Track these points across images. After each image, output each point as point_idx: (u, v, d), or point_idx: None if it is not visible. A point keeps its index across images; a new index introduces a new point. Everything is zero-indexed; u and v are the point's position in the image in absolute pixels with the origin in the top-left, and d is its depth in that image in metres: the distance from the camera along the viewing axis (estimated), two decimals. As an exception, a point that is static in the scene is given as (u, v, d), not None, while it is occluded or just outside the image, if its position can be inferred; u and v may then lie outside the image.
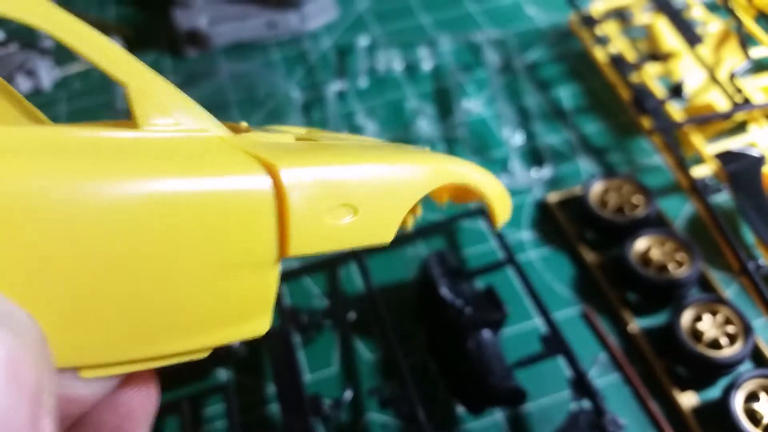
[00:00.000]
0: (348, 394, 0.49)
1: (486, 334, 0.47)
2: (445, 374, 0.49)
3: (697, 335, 0.48)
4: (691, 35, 0.62)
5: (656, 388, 0.49)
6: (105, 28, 0.83)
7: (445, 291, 0.49)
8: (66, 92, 0.76)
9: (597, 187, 0.57)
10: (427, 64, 0.73)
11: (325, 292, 0.55)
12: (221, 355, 0.52)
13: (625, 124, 0.65)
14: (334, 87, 0.71)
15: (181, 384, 0.50)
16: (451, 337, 0.48)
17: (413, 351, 0.52)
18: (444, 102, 0.69)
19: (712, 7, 0.69)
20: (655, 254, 0.53)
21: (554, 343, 0.47)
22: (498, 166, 0.62)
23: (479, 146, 0.64)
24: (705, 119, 0.57)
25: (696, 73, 0.62)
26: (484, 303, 0.48)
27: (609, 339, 0.51)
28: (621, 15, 0.69)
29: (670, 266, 0.52)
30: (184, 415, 0.49)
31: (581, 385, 0.45)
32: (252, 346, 0.52)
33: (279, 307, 0.51)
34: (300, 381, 0.47)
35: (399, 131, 0.67)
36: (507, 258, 0.53)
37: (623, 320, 0.52)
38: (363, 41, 0.76)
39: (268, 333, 0.48)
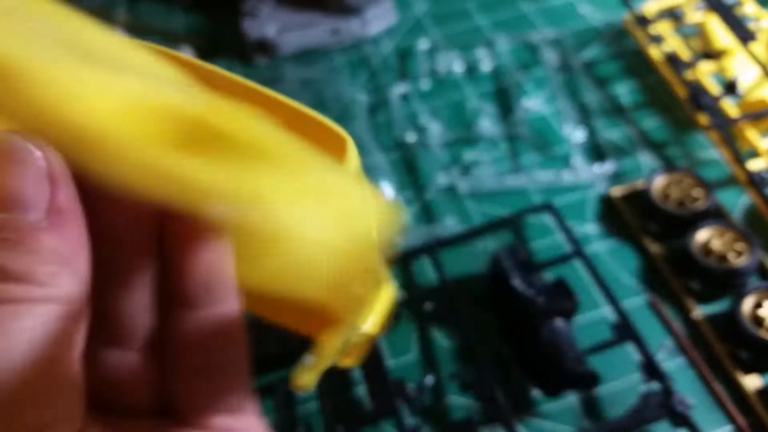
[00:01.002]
0: (429, 379, 0.53)
1: (559, 322, 0.50)
2: (520, 360, 0.53)
3: (758, 321, 0.51)
4: (743, 33, 0.64)
5: (720, 371, 0.52)
6: (176, 38, 0.87)
7: (517, 282, 0.53)
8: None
9: (659, 181, 0.60)
10: (486, 65, 0.76)
11: (401, 284, 0.59)
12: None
13: (681, 119, 0.68)
14: (398, 89, 0.75)
15: (275, 368, 0.54)
16: (524, 325, 0.52)
17: (488, 339, 0.55)
18: (504, 101, 0.72)
19: (764, 3, 0.71)
20: (716, 245, 0.56)
21: (624, 329, 0.51)
22: (560, 162, 0.66)
23: (541, 143, 0.67)
24: (759, 115, 0.60)
25: (749, 69, 0.64)
26: (555, 293, 0.52)
27: (674, 325, 0.54)
28: (673, 14, 0.71)
29: (730, 256, 0.55)
30: (278, 397, 0.53)
31: (650, 369, 0.49)
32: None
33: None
34: (383, 366, 0.51)
35: (462, 131, 0.70)
36: (574, 250, 0.56)
37: (687, 308, 0.55)
38: (423, 44, 0.80)
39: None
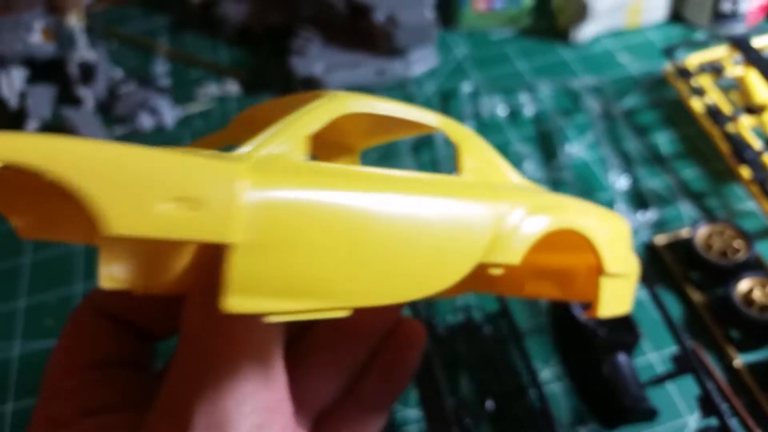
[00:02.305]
0: (489, 405, 0.55)
1: (621, 356, 0.52)
2: (581, 393, 0.54)
3: (800, 371, 0.53)
4: (783, 89, 0.66)
5: (763, 420, 0.53)
6: (219, 71, 0.90)
7: (579, 312, 0.54)
8: (189, 130, 0.83)
9: (702, 231, 0.62)
10: (528, 110, 0.79)
11: (460, 308, 0.60)
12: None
13: (720, 170, 0.70)
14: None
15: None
16: (585, 357, 0.53)
17: (550, 372, 0.57)
18: (547, 146, 0.75)
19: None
20: (757, 295, 0.57)
21: (684, 362, 0.52)
22: (604, 209, 0.68)
23: (585, 189, 0.69)
24: (801, 170, 0.62)
25: (789, 124, 0.67)
26: (618, 326, 0.53)
27: (716, 373, 0.56)
28: (714, 67, 0.73)
29: (772, 307, 0.56)
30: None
31: (708, 404, 0.50)
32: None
33: (418, 319, 0.57)
34: (441, 392, 0.52)
35: (505, 173, 0.72)
36: (642, 278, 0.58)
37: (728, 356, 0.57)
38: (466, 87, 0.82)
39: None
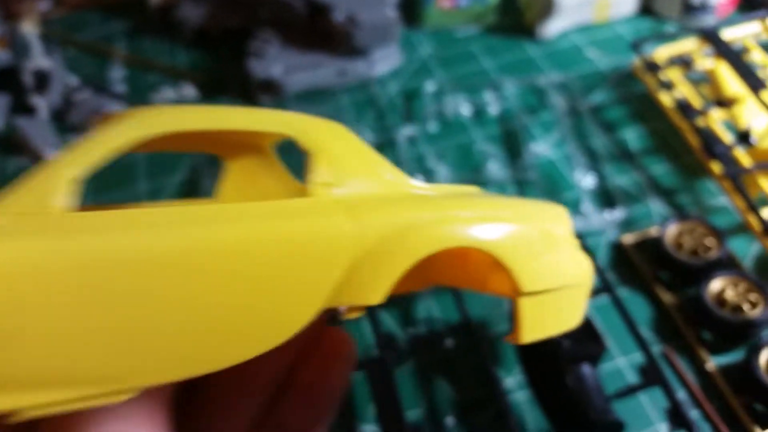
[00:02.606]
0: (450, 421, 0.52)
1: (585, 367, 0.49)
2: (544, 406, 0.51)
3: (774, 374, 0.51)
4: (754, 81, 0.64)
5: (736, 425, 0.51)
6: (177, 75, 0.87)
7: None
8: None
9: (672, 230, 0.59)
10: (493, 108, 0.76)
11: (422, 320, 0.57)
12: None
13: (691, 165, 0.68)
14: (405, 131, 0.74)
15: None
16: (550, 370, 0.50)
17: (510, 383, 0.54)
18: (512, 145, 0.72)
19: (769, 50, 0.71)
20: (730, 295, 0.55)
21: (652, 373, 0.50)
22: (570, 208, 0.65)
23: (550, 189, 0.67)
24: (773, 163, 0.60)
25: (760, 117, 0.64)
26: (582, 336, 0.51)
27: (688, 377, 0.53)
28: (683, 60, 0.71)
29: (745, 307, 0.54)
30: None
31: (677, 416, 0.48)
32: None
33: (377, 333, 0.54)
34: (400, 408, 0.49)
35: (469, 174, 0.69)
36: (602, 287, 0.55)
37: (701, 359, 0.54)
38: (430, 86, 0.79)
39: (368, 360, 0.52)
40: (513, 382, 0.54)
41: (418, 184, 0.31)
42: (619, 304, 0.54)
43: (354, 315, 0.27)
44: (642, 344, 0.51)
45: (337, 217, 0.26)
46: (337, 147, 0.29)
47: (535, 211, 0.32)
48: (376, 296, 0.27)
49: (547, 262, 0.31)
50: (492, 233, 0.29)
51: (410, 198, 0.29)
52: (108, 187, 0.72)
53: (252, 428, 0.32)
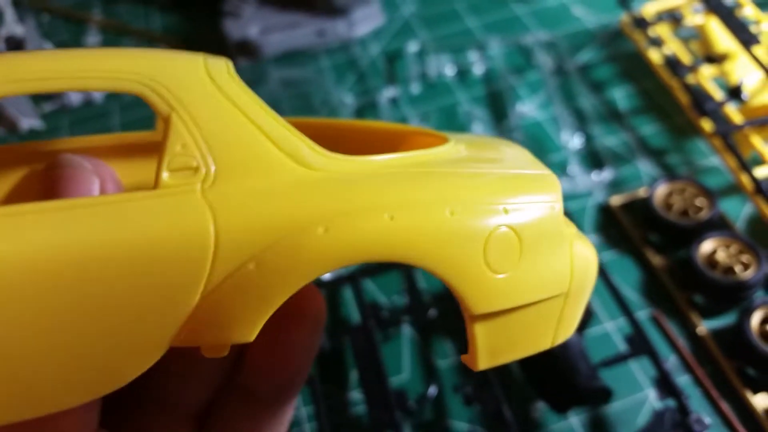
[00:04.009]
0: (432, 390, 0.50)
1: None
2: (528, 374, 0.50)
3: (766, 336, 0.49)
4: (746, 36, 0.62)
5: (727, 389, 0.49)
6: (152, 39, 0.84)
7: None
8: (118, 103, 0.77)
9: (661, 190, 0.57)
10: (478, 68, 0.74)
11: (405, 289, 0.56)
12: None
13: (681, 125, 0.66)
14: (387, 93, 0.72)
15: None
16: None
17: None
18: (497, 106, 0.70)
19: (763, 5, 0.69)
20: (721, 257, 0.53)
21: (639, 342, 0.48)
22: (557, 169, 0.63)
23: (536, 150, 0.65)
24: (765, 121, 0.58)
25: (752, 73, 0.62)
26: None
27: (678, 342, 0.52)
28: (673, 16, 0.69)
29: (737, 268, 0.52)
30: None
31: (665, 385, 0.46)
32: (335, 340, 0.54)
33: (360, 302, 0.52)
34: (384, 376, 0.48)
35: (454, 136, 0.67)
36: None
37: (692, 323, 0.53)
38: (412, 47, 0.77)
39: (351, 328, 0.50)
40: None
41: (359, 159, 0.24)
42: (603, 273, 0.52)
43: (215, 354, 0.22)
44: (628, 314, 0.49)
45: (195, 223, 0.20)
46: (211, 107, 0.23)
47: (509, 191, 0.25)
48: (246, 332, 0.21)
49: (511, 276, 0.25)
50: (422, 242, 0.23)
51: (319, 186, 0.23)
52: None
53: (215, 392, 0.30)
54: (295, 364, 0.29)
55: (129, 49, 0.23)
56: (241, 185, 0.22)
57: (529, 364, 0.49)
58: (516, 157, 0.30)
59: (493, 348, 0.25)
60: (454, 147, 0.28)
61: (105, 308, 0.19)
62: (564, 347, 0.47)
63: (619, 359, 0.49)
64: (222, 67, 0.24)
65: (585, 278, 0.28)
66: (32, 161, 0.29)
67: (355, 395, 0.51)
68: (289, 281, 0.21)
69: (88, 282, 0.19)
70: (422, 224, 0.23)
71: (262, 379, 0.29)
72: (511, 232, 0.25)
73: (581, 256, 0.27)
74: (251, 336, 0.21)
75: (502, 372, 0.51)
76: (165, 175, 0.21)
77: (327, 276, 0.57)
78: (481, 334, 0.25)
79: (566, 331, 0.27)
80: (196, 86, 0.23)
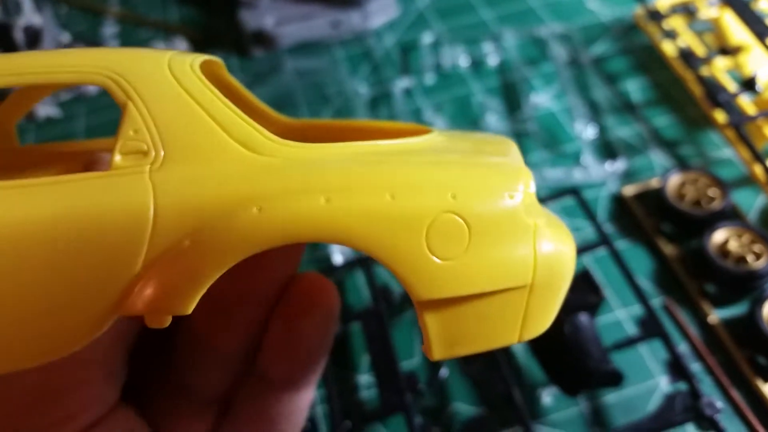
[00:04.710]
0: (444, 372, 0.51)
1: (583, 317, 0.48)
2: (538, 357, 0.50)
3: (778, 325, 0.49)
4: (760, 28, 0.62)
5: (738, 378, 0.50)
6: (169, 30, 0.85)
7: None
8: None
9: (674, 180, 0.58)
10: (492, 59, 0.74)
11: None
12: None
13: (694, 117, 0.66)
14: (401, 84, 0.73)
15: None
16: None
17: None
18: (511, 97, 0.70)
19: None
20: (733, 246, 0.53)
21: (651, 325, 0.49)
22: (571, 160, 0.63)
23: (550, 140, 0.65)
24: (779, 112, 0.58)
25: (766, 65, 0.62)
26: (579, 286, 0.49)
27: (690, 330, 0.52)
28: (687, 9, 0.69)
29: (749, 258, 0.52)
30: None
31: (677, 368, 0.46)
32: (346, 324, 0.54)
33: (372, 286, 0.53)
34: (395, 360, 0.49)
35: (467, 126, 0.68)
36: (600, 240, 0.54)
37: (703, 311, 0.53)
38: (427, 38, 0.77)
39: (363, 312, 0.50)
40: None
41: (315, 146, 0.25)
42: (617, 256, 0.52)
43: (157, 325, 0.23)
44: (640, 296, 0.50)
45: (138, 201, 0.22)
46: (166, 97, 0.24)
47: (463, 178, 0.25)
48: (183, 304, 0.22)
49: (458, 263, 0.24)
50: (359, 225, 0.23)
51: (263, 169, 0.23)
52: None
53: (234, 378, 0.31)
54: (309, 353, 0.30)
55: (101, 48, 0.26)
56: (186, 168, 0.23)
57: (541, 347, 0.50)
58: (497, 151, 0.29)
59: (448, 337, 0.25)
60: (429, 139, 0.28)
61: (55, 276, 0.21)
62: (575, 331, 0.47)
63: (631, 342, 0.49)
64: (185, 62, 0.25)
65: (552, 271, 0.26)
66: (68, 161, 0.32)
67: (366, 378, 0.52)
68: (222, 258, 0.22)
69: (39, 251, 0.21)
70: (359, 207, 0.23)
71: (278, 367, 0.30)
72: (459, 218, 0.24)
73: (548, 248, 0.26)
74: (188, 309, 0.22)
75: (512, 355, 0.51)
76: (117, 158, 0.23)
77: (338, 260, 0.57)
78: (432, 322, 0.25)
79: (537, 327, 0.27)
80: (154, 78, 0.24)
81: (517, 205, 0.25)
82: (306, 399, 0.32)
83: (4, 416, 0.23)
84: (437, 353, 0.25)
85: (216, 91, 0.25)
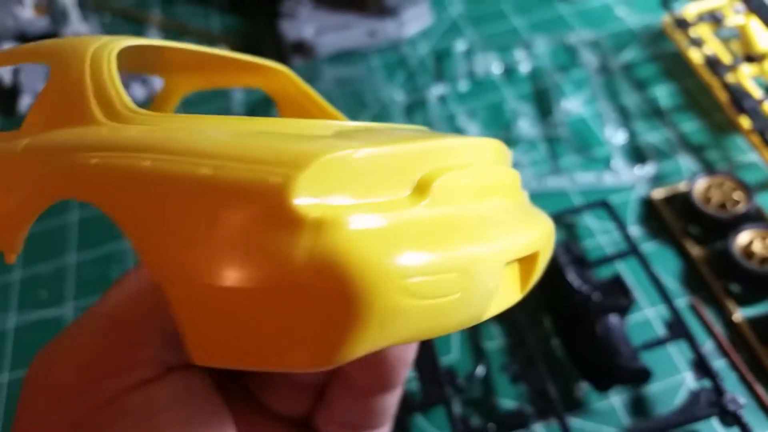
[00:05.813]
0: (480, 369, 0.54)
1: (613, 318, 0.51)
2: (571, 355, 0.53)
3: (801, 324, 0.52)
4: (785, 36, 0.64)
5: (763, 374, 0.52)
6: (211, 39, 0.88)
7: (572, 277, 0.53)
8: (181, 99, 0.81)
9: (700, 184, 0.60)
10: (524, 66, 0.77)
11: None
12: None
13: (720, 122, 0.68)
14: (436, 90, 0.76)
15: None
16: (578, 320, 0.52)
17: (539, 333, 0.56)
18: (543, 102, 0.73)
19: (803, 6, 0.71)
20: (758, 248, 0.56)
21: (677, 327, 0.51)
22: (601, 164, 0.66)
23: (581, 145, 0.68)
24: (803, 118, 0.60)
25: (791, 72, 0.65)
26: (611, 290, 0.52)
27: (715, 328, 0.55)
28: (714, 17, 0.71)
29: (773, 259, 0.55)
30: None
31: (701, 366, 0.49)
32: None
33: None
34: (435, 355, 0.52)
35: (500, 132, 0.71)
36: (630, 248, 0.57)
37: (728, 310, 0.55)
38: (460, 46, 0.80)
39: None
40: (541, 331, 0.56)
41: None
42: (645, 263, 0.55)
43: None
44: (667, 300, 0.52)
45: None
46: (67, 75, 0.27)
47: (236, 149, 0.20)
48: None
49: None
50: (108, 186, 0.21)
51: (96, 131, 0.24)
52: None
53: (323, 377, 0.33)
54: (392, 357, 0.31)
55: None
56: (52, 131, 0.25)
57: (574, 344, 0.53)
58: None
59: (212, 338, 0.20)
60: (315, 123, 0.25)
61: None
62: (607, 331, 0.50)
63: (659, 343, 0.52)
64: (113, 44, 0.27)
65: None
66: None
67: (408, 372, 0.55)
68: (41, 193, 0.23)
69: None
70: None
71: (361, 369, 0.31)
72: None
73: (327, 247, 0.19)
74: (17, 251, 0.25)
75: (546, 353, 0.54)
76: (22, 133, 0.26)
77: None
78: (184, 313, 0.20)
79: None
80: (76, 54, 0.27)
81: (276, 187, 0.19)
82: (392, 401, 0.33)
83: (66, 365, 0.26)
84: (198, 358, 0.21)
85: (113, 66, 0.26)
